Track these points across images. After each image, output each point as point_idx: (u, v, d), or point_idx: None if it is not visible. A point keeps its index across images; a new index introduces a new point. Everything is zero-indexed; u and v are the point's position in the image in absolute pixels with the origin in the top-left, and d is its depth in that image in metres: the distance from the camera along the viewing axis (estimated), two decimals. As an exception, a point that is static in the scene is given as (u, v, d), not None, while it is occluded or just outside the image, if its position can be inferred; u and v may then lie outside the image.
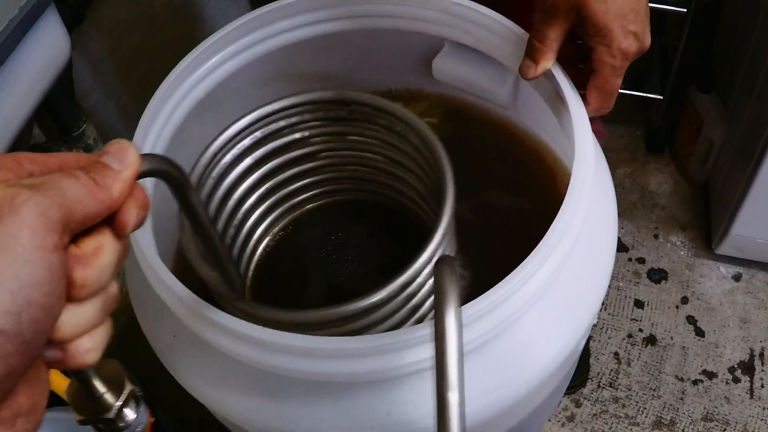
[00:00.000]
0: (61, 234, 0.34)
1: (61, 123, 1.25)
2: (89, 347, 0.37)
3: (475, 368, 0.66)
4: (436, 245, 0.69)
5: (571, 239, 0.65)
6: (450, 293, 0.47)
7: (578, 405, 1.59)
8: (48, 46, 1.01)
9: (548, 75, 0.76)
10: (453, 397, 0.45)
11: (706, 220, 1.81)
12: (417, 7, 0.86)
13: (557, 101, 0.77)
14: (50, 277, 0.33)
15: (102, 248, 0.36)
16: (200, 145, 0.82)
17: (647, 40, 0.72)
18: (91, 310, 0.37)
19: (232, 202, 0.85)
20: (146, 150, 0.76)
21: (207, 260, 0.68)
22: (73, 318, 0.36)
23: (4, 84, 0.93)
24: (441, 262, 0.50)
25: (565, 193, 0.91)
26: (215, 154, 0.80)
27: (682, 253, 1.79)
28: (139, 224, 0.39)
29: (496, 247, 0.91)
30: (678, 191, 1.89)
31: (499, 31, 0.82)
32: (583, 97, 0.75)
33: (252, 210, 0.90)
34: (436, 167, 0.76)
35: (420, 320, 0.74)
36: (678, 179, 1.90)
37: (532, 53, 0.75)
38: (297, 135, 0.86)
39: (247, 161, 0.84)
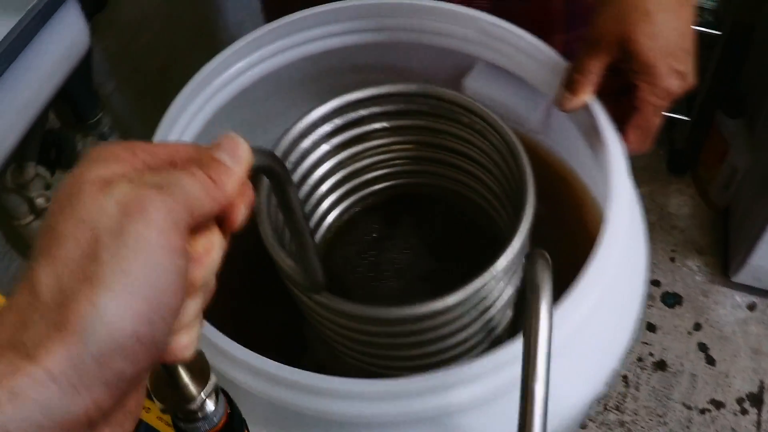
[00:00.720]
0: (186, 235, 0.34)
1: (78, 110, 1.23)
2: (187, 343, 0.37)
3: (496, 416, 0.63)
4: (519, 248, 0.67)
5: (600, 290, 0.63)
6: (544, 286, 0.47)
7: (583, 426, 1.56)
8: (67, 35, 0.99)
9: (586, 107, 0.73)
10: (539, 389, 0.45)
11: (724, 246, 1.78)
12: (451, 24, 0.83)
13: (593, 136, 0.73)
14: (179, 281, 0.33)
15: (212, 247, 0.37)
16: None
17: (692, 80, 0.69)
18: (193, 307, 0.37)
19: (306, 188, 0.84)
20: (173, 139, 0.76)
21: (286, 249, 0.67)
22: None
23: (23, 73, 0.91)
24: (535, 256, 0.50)
25: (591, 224, 0.89)
26: (296, 139, 0.79)
27: (697, 278, 1.76)
28: (245, 222, 0.38)
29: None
30: (697, 214, 1.85)
31: (536, 56, 0.79)
32: (621, 132, 0.72)
33: (324, 197, 0.88)
34: (515, 170, 0.74)
35: (490, 320, 0.74)
36: (698, 202, 1.87)
37: (570, 85, 0.71)
38: (376, 125, 0.84)
39: (324, 147, 0.83)
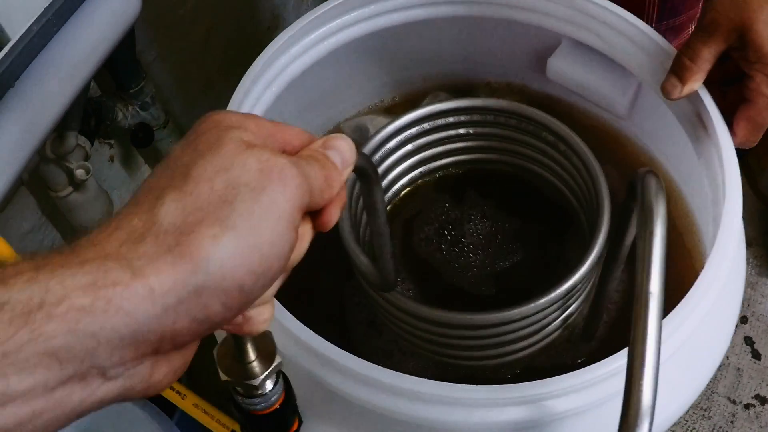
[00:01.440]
0: (301, 216, 0.36)
1: (120, 78, 1.18)
2: (266, 317, 0.39)
3: (588, 424, 0.59)
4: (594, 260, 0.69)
5: (710, 300, 0.59)
6: (658, 209, 0.48)
7: (624, 420, 1.52)
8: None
9: (692, 96, 0.68)
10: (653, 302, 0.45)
11: (773, 238, 1.73)
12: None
13: (698, 127, 0.68)
14: (288, 252, 0.35)
15: (304, 237, 0.38)
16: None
17: None
18: (277, 285, 0.38)
19: (385, 183, 0.88)
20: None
21: (361, 246, 0.71)
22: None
23: (72, 38, 0.87)
24: (648, 175, 0.50)
25: (673, 216, 0.84)
26: (384, 140, 0.83)
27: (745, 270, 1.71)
28: (335, 223, 0.40)
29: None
30: (746, 205, 1.77)
31: (634, 36, 0.74)
32: (727, 124, 0.67)
33: (402, 189, 0.92)
34: (595, 194, 0.76)
35: (570, 315, 0.77)
36: (747, 192, 1.80)
37: (679, 71, 0.66)
38: (461, 131, 0.87)
39: (409, 147, 0.87)
